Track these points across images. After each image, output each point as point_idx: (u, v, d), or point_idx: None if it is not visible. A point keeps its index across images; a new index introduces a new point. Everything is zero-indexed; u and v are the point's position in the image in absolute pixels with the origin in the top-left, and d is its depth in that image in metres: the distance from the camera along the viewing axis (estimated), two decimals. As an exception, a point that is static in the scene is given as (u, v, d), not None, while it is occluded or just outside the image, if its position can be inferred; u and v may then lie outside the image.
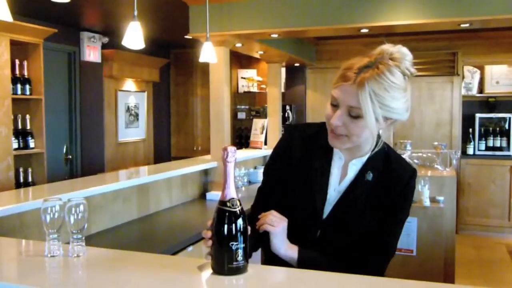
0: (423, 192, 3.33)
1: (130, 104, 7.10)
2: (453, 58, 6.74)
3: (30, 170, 4.86)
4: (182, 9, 4.51)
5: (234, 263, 1.39)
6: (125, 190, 3.41)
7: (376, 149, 1.58)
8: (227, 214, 1.42)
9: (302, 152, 1.63)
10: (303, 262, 1.54)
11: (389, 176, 1.57)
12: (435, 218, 3.24)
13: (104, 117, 6.61)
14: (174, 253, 2.88)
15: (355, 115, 1.43)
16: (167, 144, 8.15)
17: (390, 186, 1.57)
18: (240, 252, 1.40)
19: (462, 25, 3.96)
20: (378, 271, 1.59)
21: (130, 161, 7.12)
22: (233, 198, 1.43)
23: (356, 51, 6.93)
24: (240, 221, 1.42)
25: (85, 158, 6.31)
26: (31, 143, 4.85)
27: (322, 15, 4.14)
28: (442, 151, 3.72)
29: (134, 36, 2.94)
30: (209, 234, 1.42)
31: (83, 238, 1.58)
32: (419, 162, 3.55)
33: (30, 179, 4.84)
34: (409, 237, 3.24)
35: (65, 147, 6.08)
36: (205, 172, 4.51)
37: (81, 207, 1.57)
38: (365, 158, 1.58)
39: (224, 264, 1.40)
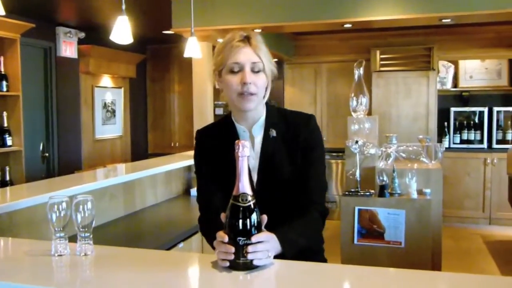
0: (411, 184, 3.37)
1: (107, 101, 7.00)
2: (428, 53, 6.84)
3: (7, 168, 4.74)
4: (160, 4, 4.46)
5: (242, 258, 1.38)
6: (111, 187, 3.36)
7: (268, 109, 1.77)
8: (237, 209, 1.42)
9: (214, 146, 1.76)
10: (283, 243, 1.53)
11: (289, 127, 1.75)
12: (423, 210, 3.29)
13: (81, 114, 6.49)
14: (167, 250, 2.85)
15: (257, 70, 1.66)
16: (144, 141, 8.06)
17: (295, 134, 1.74)
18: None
19: (443, 20, 4.02)
20: (325, 209, 1.75)
21: (107, 158, 7.02)
22: (245, 193, 1.43)
23: (334, 46, 6.96)
24: (253, 216, 1.42)
25: (62, 155, 6.18)
26: (9, 141, 4.73)
27: (306, 10, 4.16)
28: (427, 144, 3.78)
29: (122, 30, 2.89)
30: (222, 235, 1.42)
31: (91, 236, 1.55)
32: (405, 156, 3.61)
33: (7, 178, 4.73)
34: (397, 229, 3.28)
35: (41, 144, 5.95)
36: (189, 168, 4.47)
37: (89, 204, 1.54)
38: (262, 120, 1.75)
39: (234, 259, 1.40)
